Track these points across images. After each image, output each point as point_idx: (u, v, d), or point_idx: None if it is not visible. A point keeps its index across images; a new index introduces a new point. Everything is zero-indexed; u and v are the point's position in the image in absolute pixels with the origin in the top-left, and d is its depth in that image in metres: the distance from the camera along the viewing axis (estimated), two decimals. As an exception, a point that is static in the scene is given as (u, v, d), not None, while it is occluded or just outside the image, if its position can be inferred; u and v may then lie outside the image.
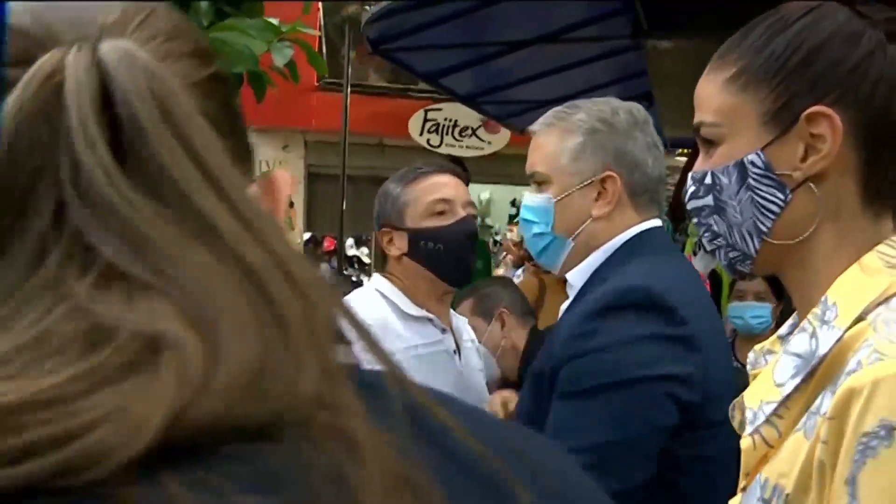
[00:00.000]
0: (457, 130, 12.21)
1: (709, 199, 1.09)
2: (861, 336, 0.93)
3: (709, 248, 1.14)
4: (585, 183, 1.70)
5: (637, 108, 1.77)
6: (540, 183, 1.74)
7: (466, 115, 11.28)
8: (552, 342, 1.60)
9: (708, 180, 1.08)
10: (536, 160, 1.75)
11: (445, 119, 12.12)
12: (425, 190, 2.15)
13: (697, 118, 1.10)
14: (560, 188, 1.72)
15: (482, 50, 5.60)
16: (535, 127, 1.78)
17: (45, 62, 0.44)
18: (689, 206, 1.14)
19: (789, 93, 1.02)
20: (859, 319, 0.95)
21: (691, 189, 1.12)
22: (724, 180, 1.07)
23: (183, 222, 0.43)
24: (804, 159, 1.02)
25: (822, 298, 0.99)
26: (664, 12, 4.08)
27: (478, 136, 12.17)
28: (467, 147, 12.00)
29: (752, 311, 3.58)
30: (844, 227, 1.02)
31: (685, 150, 7.54)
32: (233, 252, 0.43)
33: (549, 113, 1.78)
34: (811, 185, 1.02)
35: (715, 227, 1.10)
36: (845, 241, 1.02)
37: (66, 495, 0.35)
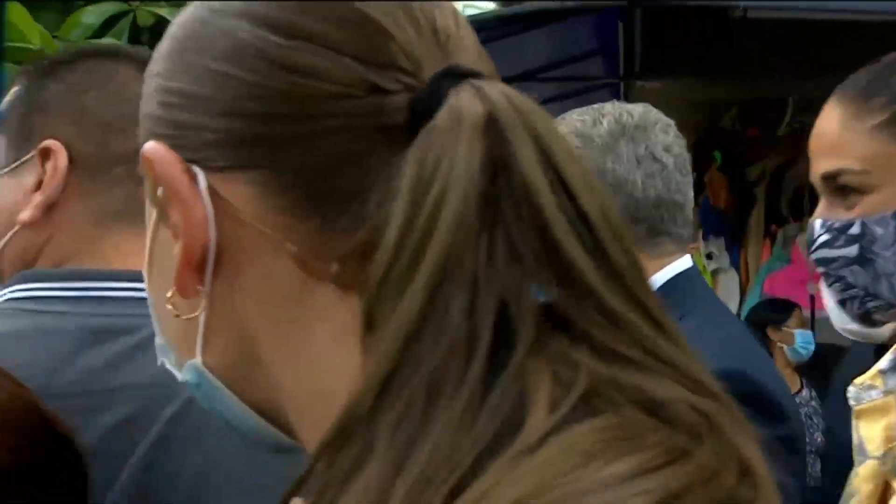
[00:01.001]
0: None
1: (851, 250, 1.03)
2: None
3: (838, 297, 1.07)
4: None
5: (634, 112, 1.45)
6: None
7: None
8: None
9: (855, 230, 1.02)
10: None
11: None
12: None
13: (834, 165, 1.04)
14: None
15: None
16: None
17: (469, 106, 0.42)
18: (815, 256, 1.07)
19: None
20: None
21: (823, 238, 1.05)
22: (879, 231, 1.01)
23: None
24: None
25: None
26: (655, 54, 4.19)
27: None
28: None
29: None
30: None
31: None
32: (671, 368, 0.43)
33: None
34: None
35: (850, 279, 1.04)
36: None
37: None
